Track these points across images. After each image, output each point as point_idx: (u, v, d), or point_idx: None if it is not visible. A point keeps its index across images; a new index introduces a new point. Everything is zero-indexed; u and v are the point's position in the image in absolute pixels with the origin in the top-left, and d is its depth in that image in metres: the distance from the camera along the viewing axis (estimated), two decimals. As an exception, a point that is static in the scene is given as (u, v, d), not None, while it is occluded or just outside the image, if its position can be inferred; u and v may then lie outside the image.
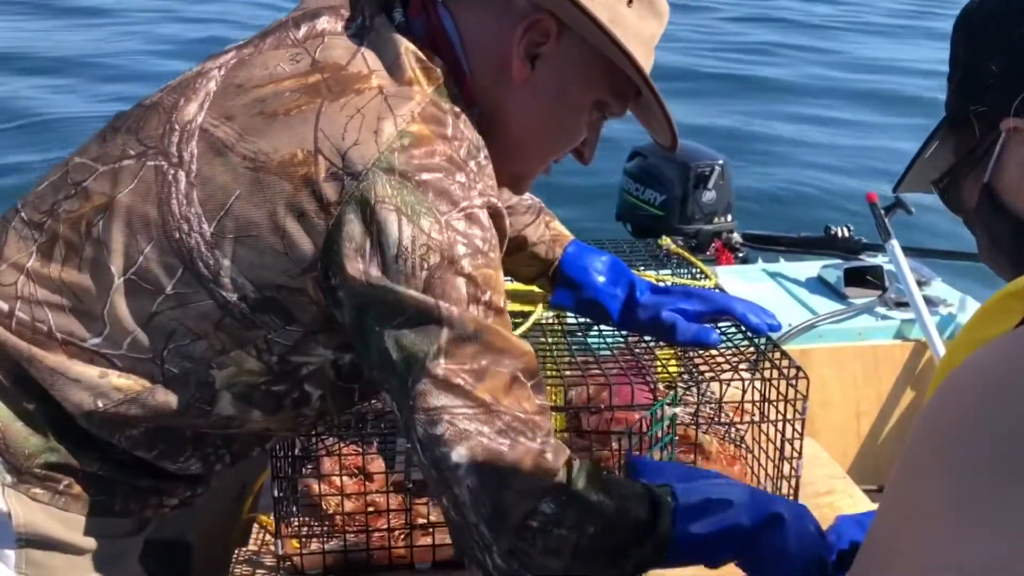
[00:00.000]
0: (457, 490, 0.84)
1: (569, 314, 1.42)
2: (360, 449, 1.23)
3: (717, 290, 1.52)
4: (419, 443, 0.85)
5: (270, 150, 0.87)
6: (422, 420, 0.84)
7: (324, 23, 0.95)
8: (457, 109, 0.92)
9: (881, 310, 2.12)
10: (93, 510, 0.97)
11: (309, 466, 1.25)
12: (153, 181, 0.90)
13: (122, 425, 0.93)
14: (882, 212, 2.28)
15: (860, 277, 2.21)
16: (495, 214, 0.90)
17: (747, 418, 1.29)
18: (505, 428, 0.85)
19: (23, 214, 0.97)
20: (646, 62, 0.97)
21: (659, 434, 1.18)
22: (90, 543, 0.97)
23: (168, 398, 0.92)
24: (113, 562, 1.00)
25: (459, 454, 0.84)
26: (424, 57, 0.92)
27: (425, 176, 0.85)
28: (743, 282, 2.23)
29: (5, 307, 0.93)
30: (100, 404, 0.91)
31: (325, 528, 1.15)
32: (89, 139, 1.00)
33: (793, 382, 1.19)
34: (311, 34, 0.95)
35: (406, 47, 0.91)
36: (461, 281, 0.85)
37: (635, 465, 1.00)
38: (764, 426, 1.25)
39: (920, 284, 2.14)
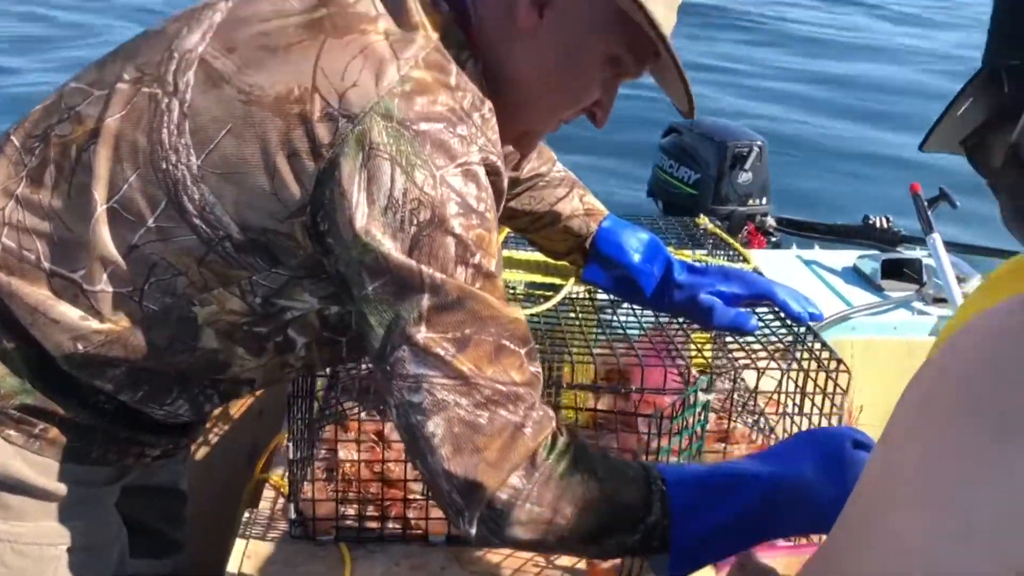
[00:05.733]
0: (431, 458, 0.82)
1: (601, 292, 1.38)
2: (377, 415, 1.19)
3: (756, 273, 1.47)
4: (395, 408, 0.83)
5: (266, 84, 0.84)
6: (399, 386, 0.82)
7: None
8: (463, 56, 0.88)
9: (918, 305, 2.05)
10: (68, 456, 0.94)
11: (327, 429, 1.22)
12: (146, 108, 0.87)
13: (104, 366, 0.91)
14: (925, 204, 2.21)
15: (897, 270, 2.14)
16: (492, 172, 0.86)
17: (780, 409, 1.24)
18: (484, 401, 0.82)
19: (15, 139, 0.94)
20: (666, 19, 0.90)
21: (690, 420, 1.13)
22: (63, 489, 0.95)
23: (151, 336, 0.89)
24: (87, 509, 0.98)
25: (435, 423, 0.82)
26: (430, 2, 0.88)
27: (424, 126, 0.82)
28: (776, 267, 2.17)
29: None
30: (80, 347, 0.89)
31: (339, 494, 1.12)
32: (87, 65, 0.97)
33: (833, 375, 1.14)
34: None
35: None
36: (450, 241, 0.81)
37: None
38: (798, 419, 1.20)
39: (959, 280, 2.07)
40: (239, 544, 1.09)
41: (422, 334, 0.81)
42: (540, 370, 0.87)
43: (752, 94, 7.18)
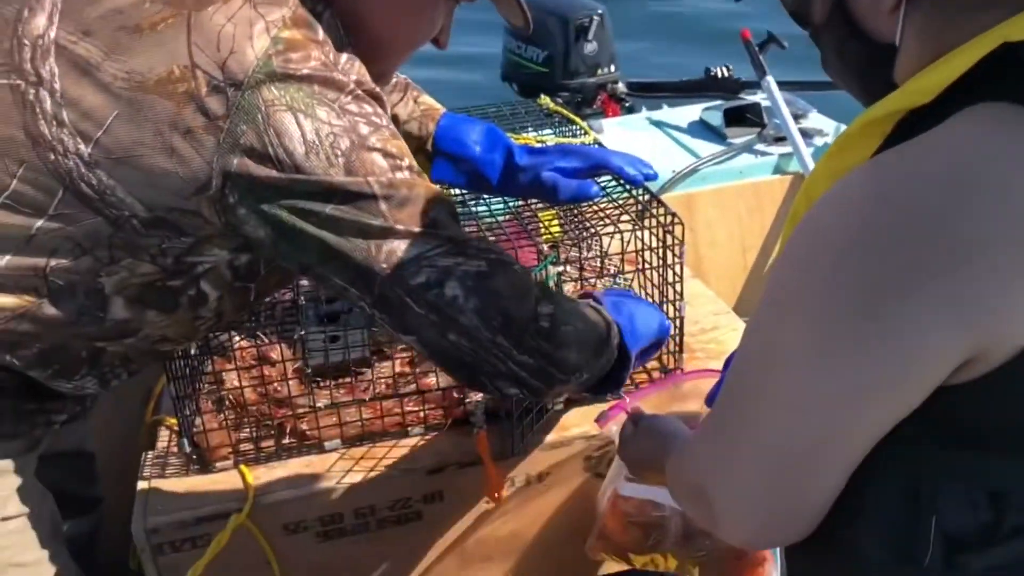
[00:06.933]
0: (464, 319, 0.91)
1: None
2: (256, 341, 1.24)
3: (595, 145, 1.54)
4: (410, 298, 0.90)
5: (144, 69, 0.84)
6: (401, 278, 0.89)
7: None
8: (319, 8, 0.92)
9: (760, 147, 2.18)
10: None
11: (208, 363, 1.26)
12: (12, 102, 0.86)
13: (14, 345, 0.92)
14: (756, 48, 2.31)
15: (740, 116, 2.26)
16: (376, 98, 0.92)
17: (635, 266, 1.33)
18: (478, 252, 0.92)
19: None
20: None
21: (547, 293, 1.21)
22: None
23: (58, 310, 0.91)
24: (10, 481, 1.01)
25: (451, 287, 0.90)
26: None
27: (306, 71, 0.86)
28: (629, 133, 2.26)
29: None
30: None
31: (231, 421, 1.17)
32: None
33: (670, 228, 1.24)
34: None
35: None
36: (376, 155, 0.88)
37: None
38: (648, 273, 1.30)
39: (797, 117, 2.20)
40: (141, 486, 1.14)
41: (399, 225, 0.88)
42: None
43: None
